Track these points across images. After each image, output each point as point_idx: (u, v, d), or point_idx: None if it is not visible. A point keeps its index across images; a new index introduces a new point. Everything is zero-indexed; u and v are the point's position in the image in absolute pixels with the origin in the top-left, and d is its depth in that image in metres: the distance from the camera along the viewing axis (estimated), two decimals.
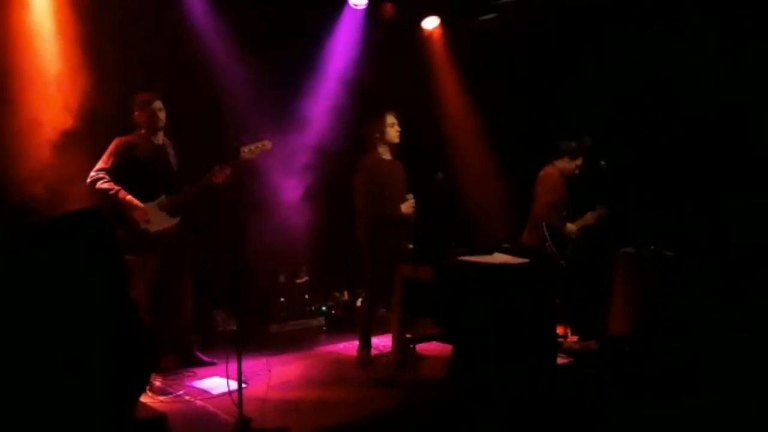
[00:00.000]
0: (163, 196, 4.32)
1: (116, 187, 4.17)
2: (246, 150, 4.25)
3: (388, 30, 6.12)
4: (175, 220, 4.38)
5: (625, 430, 3.48)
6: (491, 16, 6.34)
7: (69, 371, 2.63)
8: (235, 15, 5.16)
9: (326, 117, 5.82)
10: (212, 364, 4.56)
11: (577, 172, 5.11)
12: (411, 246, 4.74)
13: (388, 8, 6.04)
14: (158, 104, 4.35)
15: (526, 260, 4.21)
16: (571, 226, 5.03)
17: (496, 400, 3.71)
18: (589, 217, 5.10)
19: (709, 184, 4.99)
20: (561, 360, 4.51)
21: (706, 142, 5.01)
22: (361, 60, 6.08)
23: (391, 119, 4.69)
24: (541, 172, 5.13)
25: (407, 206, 4.62)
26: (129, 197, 4.18)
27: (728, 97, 4.86)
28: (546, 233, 4.92)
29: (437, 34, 6.51)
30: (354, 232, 4.77)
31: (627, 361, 4.62)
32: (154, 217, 4.27)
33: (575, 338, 5.15)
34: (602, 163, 5.01)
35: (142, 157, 4.29)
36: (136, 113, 4.35)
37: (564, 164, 5.11)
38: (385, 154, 4.75)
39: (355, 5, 5.95)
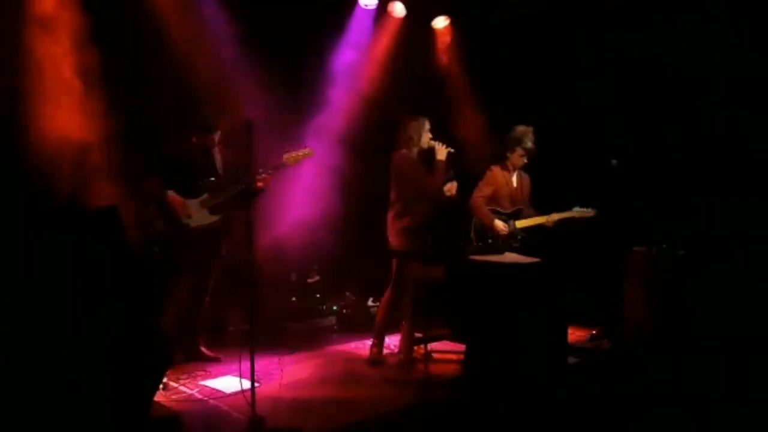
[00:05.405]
0: (206, 195, 4.53)
1: (162, 186, 4.46)
2: (288, 157, 4.45)
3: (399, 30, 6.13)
4: (214, 218, 4.58)
5: (636, 430, 3.48)
6: (501, 14, 6.33)
7: (77, 367, 2.65)
8: (246, 19, 5.18)
9: (339, 117, 5.83)
10: (216, 359, 4.65)
11: (525, 160, 5.06)
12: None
13: None
14: (217, 137, 4.63)
15: (537, 260, 4.21)
16: (498, 224, 4.98)
17: (508, 399, 3.72)
18: (542, 219, 5.02)
19: (720, 182, 4.96)
20: (572, 359, 4.50)
21: (718, 140, 4.98)
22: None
23: (428, 125, 4.70)
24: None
25: (451, 187, 4.59)
26: (171, 193, 4.46)
27: (742, 92, 4.84)
28: (474, 223, 5.00)
29: (448, 34, 6.50)
30: (382, 233, 4.73)
31: (639, 361, 4.61)
32: (195, 213, 4.51)
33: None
34: (614, 161, 4.99)
35: (190, 160, 4.56)
36: (196, 132, 4.59)
37: (512, 159, 5.09)
38: (414, 155, 4.75)
39: (366, 5, 5.98)
